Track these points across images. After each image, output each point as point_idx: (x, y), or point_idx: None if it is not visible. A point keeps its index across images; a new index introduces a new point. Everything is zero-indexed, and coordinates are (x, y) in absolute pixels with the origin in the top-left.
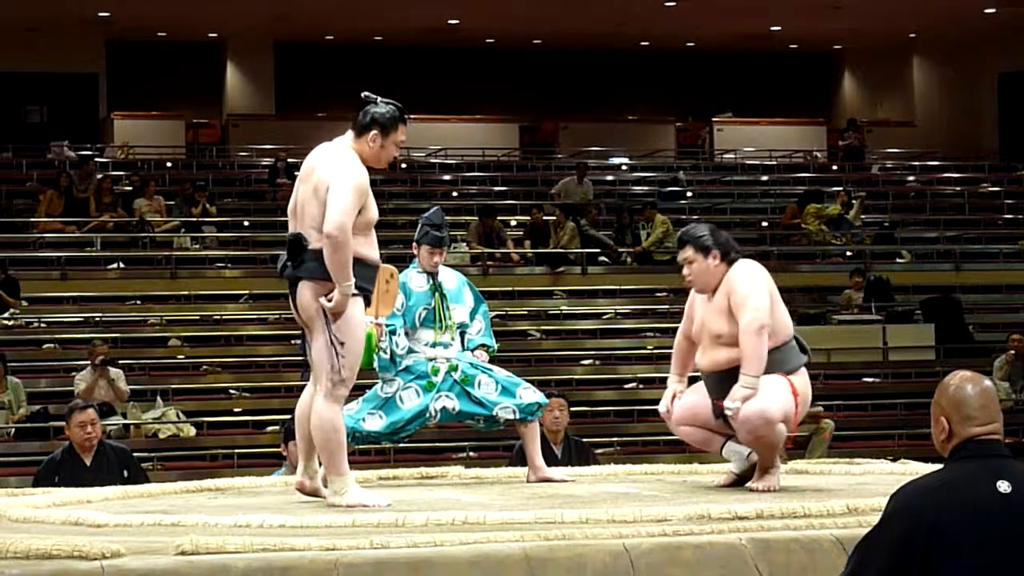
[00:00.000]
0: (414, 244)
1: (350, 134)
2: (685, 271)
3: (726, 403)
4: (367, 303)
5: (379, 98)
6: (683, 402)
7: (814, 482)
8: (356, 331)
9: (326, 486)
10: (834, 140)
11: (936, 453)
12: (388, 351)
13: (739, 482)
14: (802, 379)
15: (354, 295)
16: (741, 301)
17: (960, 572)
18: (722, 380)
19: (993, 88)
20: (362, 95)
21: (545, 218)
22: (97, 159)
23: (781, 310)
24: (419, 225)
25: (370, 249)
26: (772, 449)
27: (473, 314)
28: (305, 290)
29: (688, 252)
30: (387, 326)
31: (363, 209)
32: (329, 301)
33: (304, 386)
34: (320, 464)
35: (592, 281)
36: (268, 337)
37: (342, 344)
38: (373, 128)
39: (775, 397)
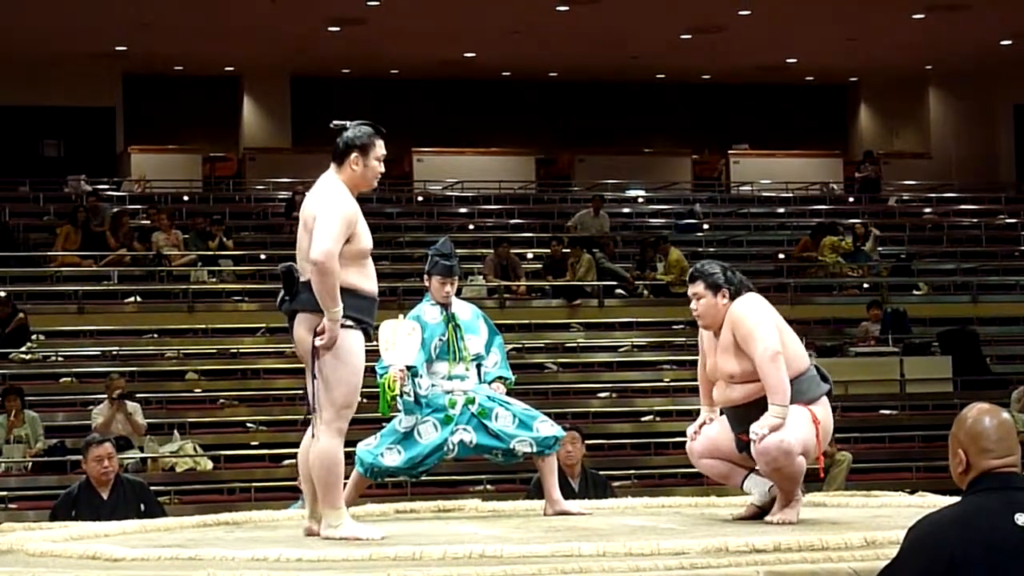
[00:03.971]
0: (425, 276)
1: (332, 167)
2: (693, 305)
3: (753, 427)
4: (366, 336)
5: (348, 123)
6: (705, 435)
7: (832, 515)
8: (350, 363)
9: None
10: (850, 172)
11: (954, 485)
12: (412, 393)
13: (759, 515)
14: (824, 409)
15: (349, 327)
16: (748, 333)
17: None
18: (742, 415)
19: (1009, 119)
20: (331, 125)
21: (564, 251)
22: (114, 193)
23: (791, 340)
24: (428, 257)
25: (365, 280)
26: (792, 482)
27: (488, 346)
28: (301, 323)
29: (698, 287)
30: (409, 368)
31: (353, 238)
32: (321, 334)
33: (307, 421)
34: None
35: (609, 314)
36: (285, 370)
37: (315, 378)
38: (352, 151)
39: (795, 429)
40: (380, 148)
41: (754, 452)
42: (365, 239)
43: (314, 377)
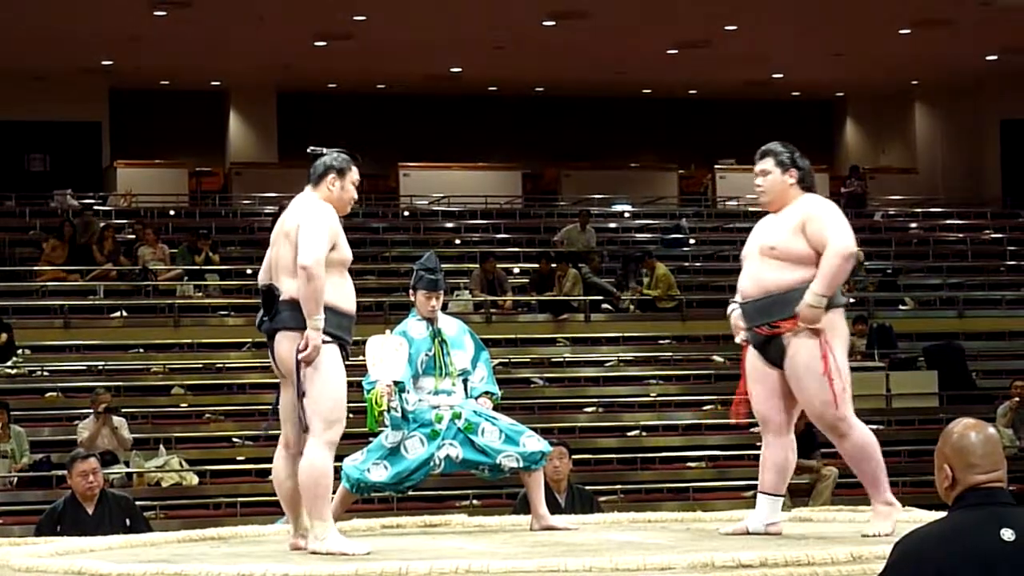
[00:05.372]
0: (410, 291)
1: (308, 188)
2: (758, 181)
3: (801, 310)
4: (343, 352)
5: (324, 149)
6: (759, 397)
7: (818, 530)
8: (331, 377)
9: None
10: (837, 187)
11: (940, 501)
12: (399, 408)
13: (746, 533)
14: (841, 321)
15: (327, 342)
16: (829, 225)
17: None
18: (765, 306)
19: (995, 135)
20: (309, 150)
21: (551, 266)
22: (100, 207)
23: None
24: (414, 271)
25: (343, 297)
26: (863, 449)
27: (475, 361)
28: (283, 341)
29: (767, 163)
30: (396, 383)
31: (335, 247)
32: (303, 349)
33: (275, 436)
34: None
35: (595, 329)
36: (271, 385)
37: (302, 395)
38: (329, 172)
39: (824, 383)
40: (355, 174)
41: (810, 416)
42: (346, 250)
43: (301, 394)
